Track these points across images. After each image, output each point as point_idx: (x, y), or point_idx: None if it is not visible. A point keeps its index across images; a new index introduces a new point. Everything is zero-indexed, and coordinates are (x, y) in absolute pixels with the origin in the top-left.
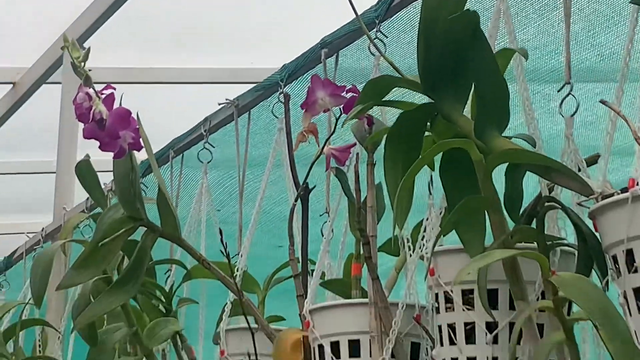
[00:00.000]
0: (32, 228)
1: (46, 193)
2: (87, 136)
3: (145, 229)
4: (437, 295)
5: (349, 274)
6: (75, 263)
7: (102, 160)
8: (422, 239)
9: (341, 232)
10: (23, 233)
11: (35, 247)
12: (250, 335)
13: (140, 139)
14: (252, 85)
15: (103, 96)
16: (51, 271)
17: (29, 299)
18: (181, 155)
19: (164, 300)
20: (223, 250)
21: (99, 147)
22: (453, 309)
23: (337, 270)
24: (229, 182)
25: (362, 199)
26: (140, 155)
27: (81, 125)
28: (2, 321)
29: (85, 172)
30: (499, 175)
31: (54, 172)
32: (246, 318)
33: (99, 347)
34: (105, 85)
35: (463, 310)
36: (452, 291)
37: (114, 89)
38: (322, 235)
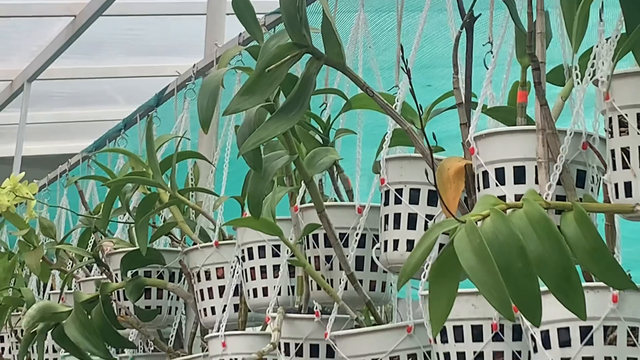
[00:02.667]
0: (181, 71)
1: (194, 36)
2: None
3: (310, 56)
4: (610, 119)
5: (514, 101)
6: (241, 89)
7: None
8: (592, 66)
9: (505, 61)
10: (172, 75)
11: (186, 84)
12: (410, 164)
13: None
14: None
15: None
16: (218, 96)
17: (185, 132)
18: None
19: (321, 130)
20: (404, 66)
21: None
22: (627, 133)
23: (499, 101)
24: (378, 21)
25: None
26: None
27: None
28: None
29: (241, 5)
30: None
31: (204, 14)
32: (429, 148)
33: (260, 175)
34: None
35: (638, 134)
36: (627, 115)
37: None
38: (485, 66)
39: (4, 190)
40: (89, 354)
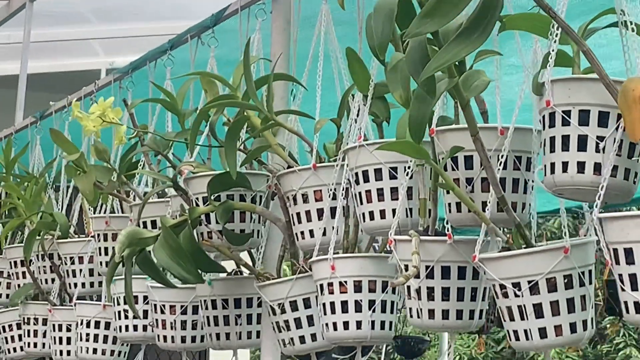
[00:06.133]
0: None
1: None
2: None
3: None
4: None
5: None
6: (422, 12)
7: None
8: None
9: None
10: None
11: (252, 3)
12: (579, 85)
13: None
14: None
15: None
16: (393, 20)
17: (280, 55)
18: None
19: None
20: None
21: None
22: None
23: None
24: None
25: None
26: None
27: None
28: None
29: None
30: None
31: None
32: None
33: (424, 99)
34: None
35: None
36: None
37: None
38: None
39: (92, 115)
40: (175, 279)
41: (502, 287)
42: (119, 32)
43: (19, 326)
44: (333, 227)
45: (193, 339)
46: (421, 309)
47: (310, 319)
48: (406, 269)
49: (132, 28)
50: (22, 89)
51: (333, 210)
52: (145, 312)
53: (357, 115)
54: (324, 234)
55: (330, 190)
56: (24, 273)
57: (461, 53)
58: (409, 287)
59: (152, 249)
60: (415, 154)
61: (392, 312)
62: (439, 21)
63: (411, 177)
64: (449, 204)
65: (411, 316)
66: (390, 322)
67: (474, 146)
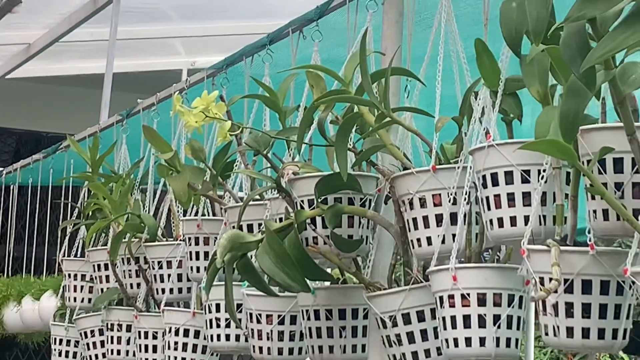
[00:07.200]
0: None
1: None
2: None
3: None
4: None
5: None
6: None
7: None
8: None
9: None
10: None
11: None
12: None
13: None
14: None
15: None
16: (551, 4)
17: (398, 49)
18: None
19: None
20: None
21: None
22: None
23: None
24: None
25: None
26: None
27: None
28: None
29: None
30: None
31: None
32: None
33: (580, 93)
34: None
35: None
36: None
37: None
38: None
39: (195, 109)
40: (276, 286)
41: None
42: (201, 31)
43: (101, 332)
44: (454, 235)
45: (290, 351)
46: (558, 327)
47: (424, 334)
48: (541, 282)
49: (215, 27)
50: (107, 87)
51: (453, 216)
52: (239, 321)
53: (482, 114)
54: (443, 241)
55: (451, 194)
56: (107, 277)
57: (628, 41)
58: (544, 302)
59: (255, 254)
60: (562, 154)
61: (518, 328)
62: (604, 4)
63: (546, 181)
64: (594, 211)
65: (546, 334)
66: (516, 340)
67: (629, 147)
